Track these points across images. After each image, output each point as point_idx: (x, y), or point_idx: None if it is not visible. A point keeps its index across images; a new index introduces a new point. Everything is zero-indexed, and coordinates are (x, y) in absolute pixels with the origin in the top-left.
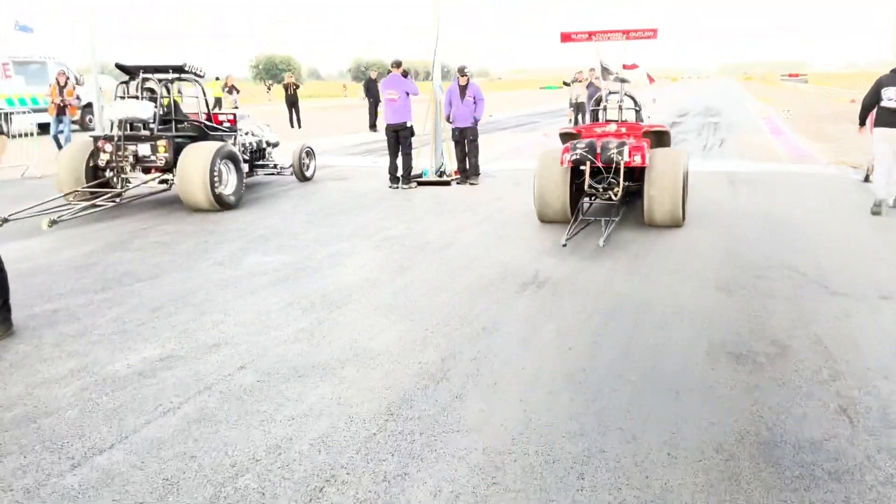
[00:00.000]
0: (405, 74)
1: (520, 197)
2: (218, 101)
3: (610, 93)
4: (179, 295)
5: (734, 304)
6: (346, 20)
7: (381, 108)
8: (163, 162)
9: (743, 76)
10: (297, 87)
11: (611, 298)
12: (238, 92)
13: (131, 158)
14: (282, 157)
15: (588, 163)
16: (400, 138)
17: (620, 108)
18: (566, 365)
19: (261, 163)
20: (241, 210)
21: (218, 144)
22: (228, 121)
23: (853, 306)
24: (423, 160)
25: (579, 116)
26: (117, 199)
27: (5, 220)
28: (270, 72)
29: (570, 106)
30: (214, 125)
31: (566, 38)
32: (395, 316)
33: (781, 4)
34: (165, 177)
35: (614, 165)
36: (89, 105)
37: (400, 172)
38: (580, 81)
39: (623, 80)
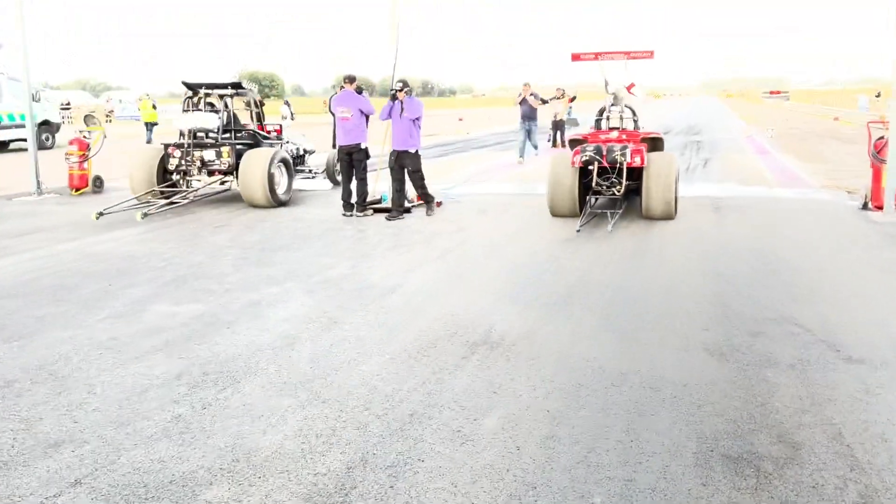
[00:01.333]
0: (360, 91)
1: (484, 226)
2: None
3: (612, 105)
4: (46, 362)
5: (727, 374)
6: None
7: None
8: (226, 166)
9: (724, 93)
10: (261, 103)
11: (575, 368)
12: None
13: (198, 163)
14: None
15: (595, 163)
16: (353, 161)
17: (621, 117)
18: (510, 476)
19: (299, 167)
20: (167, 243)
21: (272, 150)
22: (276, 130)
23: (873, 378)
24: (382, 184)
25: (557, 133)
26: (189, 197)
27: (101, 214)
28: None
29: (551, 126)
30: (265, 134)
31: (576, 57)
32: (304, 395)
33: (761, 23)
34: (226, 179)
35: (618, 166)
36: (46, 123)
37: (354, 199)
38: (559, 98)
39: (616, 96)
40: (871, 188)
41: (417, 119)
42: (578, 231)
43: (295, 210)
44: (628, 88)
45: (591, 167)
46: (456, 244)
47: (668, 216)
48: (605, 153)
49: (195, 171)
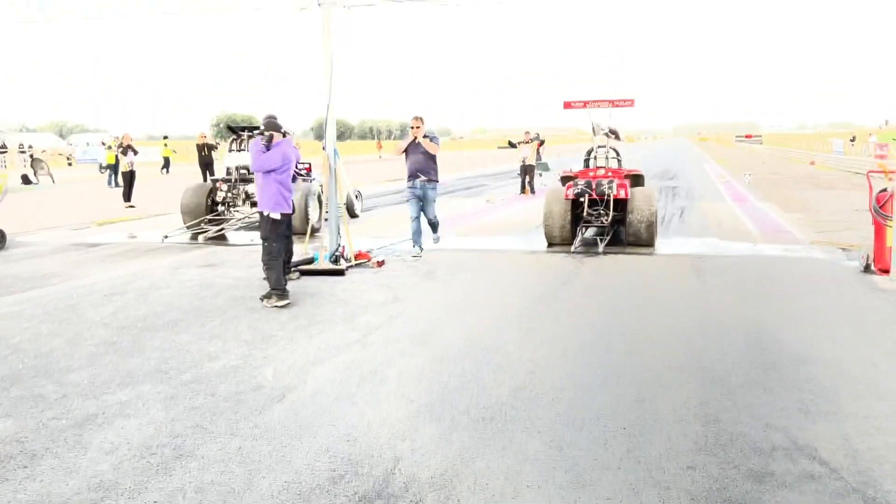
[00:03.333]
0: (285, 136)
1: (425, 296)
2: (112, 167)
3: (599, 146)
4: None
5: None
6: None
7: None
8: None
9: (698, 137)
10: (213, 147)
11: None
12: (136, 153)
13: (242, 195)
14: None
15: (586, 195)
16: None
17: (607, 157)
18: None
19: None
20: (32, 320)
21: (307, 185)
22: (305, 169)
23: None
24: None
25: (525, 179)
26: (237, 225)
27: (166, 237)
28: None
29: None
30: (299, 171)
31: (567, 105)
32: None
33: (732, 68)
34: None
35: (605, 198)
36: None
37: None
38: (527, 143)
39: (612, 134)
40: (873, 248)
41: (273, 171)
42: (573, 251)
43: (212, 271)
44: (616, 134)
45: (581, 199)
46: (384, 321)
47: (650, 243)
48: (594, 187)
49: (240, 203)
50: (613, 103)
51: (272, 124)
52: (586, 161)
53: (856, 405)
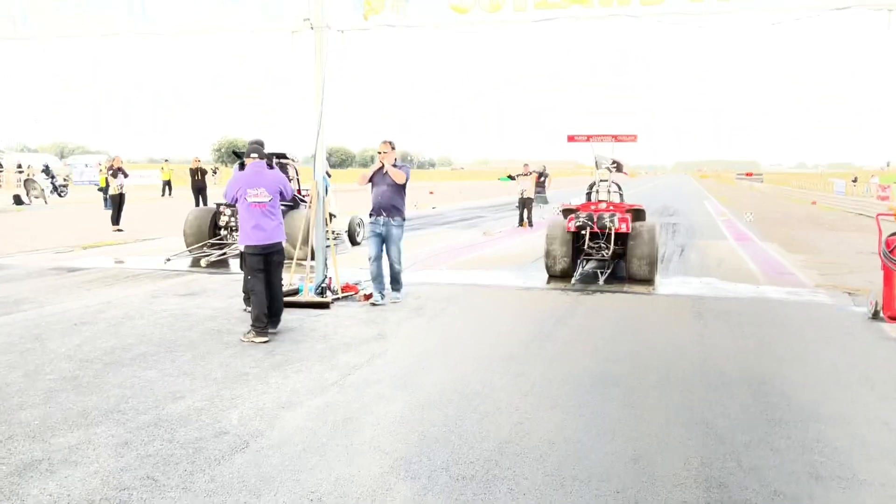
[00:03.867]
0: (270, 164)
1: (411, 333)
2: (104, 190)
3: (601, 181)
4: None
5: None
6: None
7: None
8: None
9: (699, 174)
10: (205, 172)
11: None
12: (126, 175)
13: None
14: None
15: (588, 228)
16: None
17: (609, 191)
18: None
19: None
20: None
21: (309, 213)
22: (307, 194)
23: None
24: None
25: (524, 212)
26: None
27: (168, 260)
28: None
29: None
30: (302, 197)
31: (571, 139)
32: None
33: (733, 106)
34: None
35: (606, 231)
36: None
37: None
38: (526, 175)
39: (615, 166)
40: (882, 294)
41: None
42: (573, 282)
43: (192, 300)
44: (619, 166)
45: (583, 232)
46: (365, 361)
47: (650, 279)
48: (595, 220)
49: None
50: (616, 138)
51: (253, 149)
52: (588, 194)
53: (870, 470)
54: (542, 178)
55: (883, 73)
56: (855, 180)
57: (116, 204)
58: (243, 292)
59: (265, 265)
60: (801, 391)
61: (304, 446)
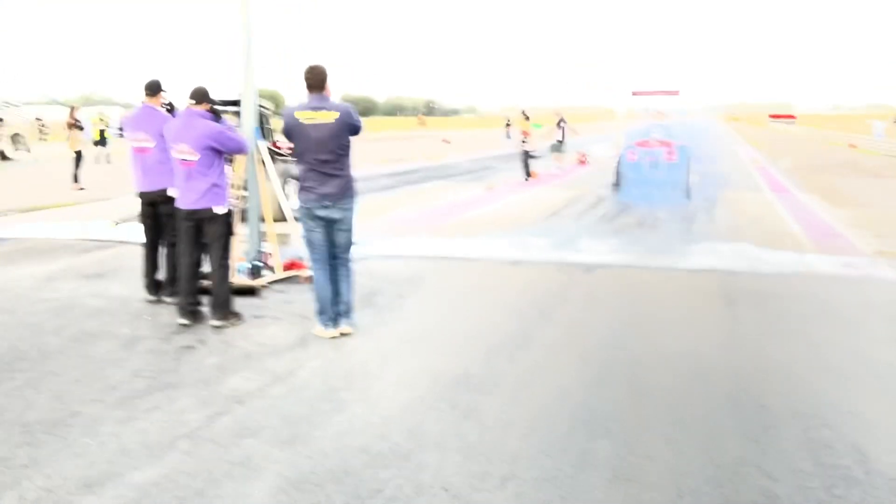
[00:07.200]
0: (171, 109)
1: (344, 344)
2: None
3: (657, 124)
4: None
5: None
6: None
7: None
8: (241, 181)
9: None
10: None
11: None
12: (81, 129)
13: None
14: None
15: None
16: (161, 216)
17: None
18: None
19: None
20: None
21: (284, 167)
22: (288, 149)
23: None
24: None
25: (527, 164)
26: None
27: (116, 224)
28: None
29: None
30: (278, 150)
31: (636, 93)
32: None
33: (764, 45)
34: (243, 193)
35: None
36: None
37: (163, 275)
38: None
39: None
40: None
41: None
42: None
43: (93, 284)
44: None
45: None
46: (257, 389)
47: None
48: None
49: None
50: (663, 93)
51: (192, 94)
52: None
53: None
54: (561, 125)
55: None
56: None
57: (76, 160)
58: (144, 276)
59: (153, 216)
60: (868, 431)
61: None
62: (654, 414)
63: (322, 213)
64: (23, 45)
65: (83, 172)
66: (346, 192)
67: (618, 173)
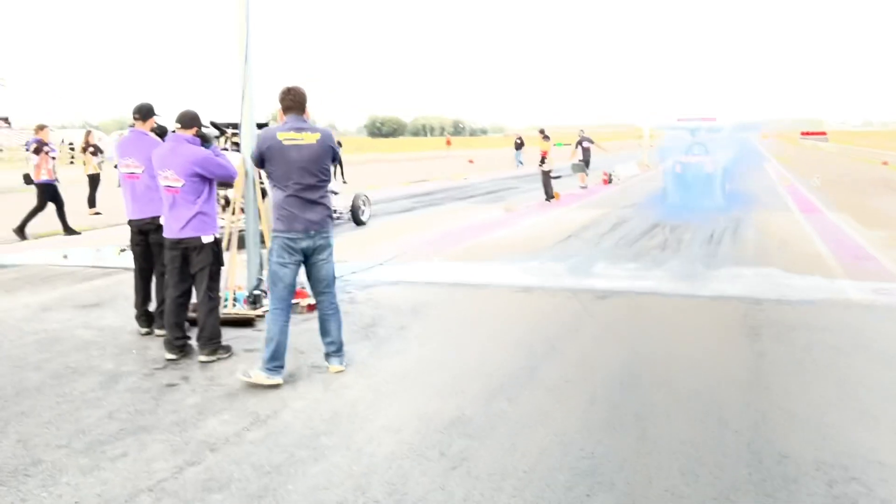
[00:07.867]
0: (162, 133)
1: (336, 381)
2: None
3: (696, 143)
4: None
5: None
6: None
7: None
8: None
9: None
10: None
11: None
12: (101, 152)
13: (222, 200)
14: None
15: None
16: (151, 245)
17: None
18: None
19: None
20: None
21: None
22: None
23: None
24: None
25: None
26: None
27: (123, 251)
28: None
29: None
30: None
31: (681, 120)
32: None
33: (795, 62)
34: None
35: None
36: None
37: (154, 306)
38: (545, 140)
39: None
40: None
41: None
42: None
43: (86, 314)
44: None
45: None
46: (234, 434)
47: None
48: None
49: (219, 209)
50: (704, 119)
51: (179, 118)
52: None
53: None
54: (584, 144)
55: None
56: None
57: (93, 184)
58: (135, 308)
59: (145, 245)
60: None
61: None
62: (663, 464)
63: (305, 243)
64: (57, 68)
65: (100, 196)
66: (328, 220)
67: (665, 182)
